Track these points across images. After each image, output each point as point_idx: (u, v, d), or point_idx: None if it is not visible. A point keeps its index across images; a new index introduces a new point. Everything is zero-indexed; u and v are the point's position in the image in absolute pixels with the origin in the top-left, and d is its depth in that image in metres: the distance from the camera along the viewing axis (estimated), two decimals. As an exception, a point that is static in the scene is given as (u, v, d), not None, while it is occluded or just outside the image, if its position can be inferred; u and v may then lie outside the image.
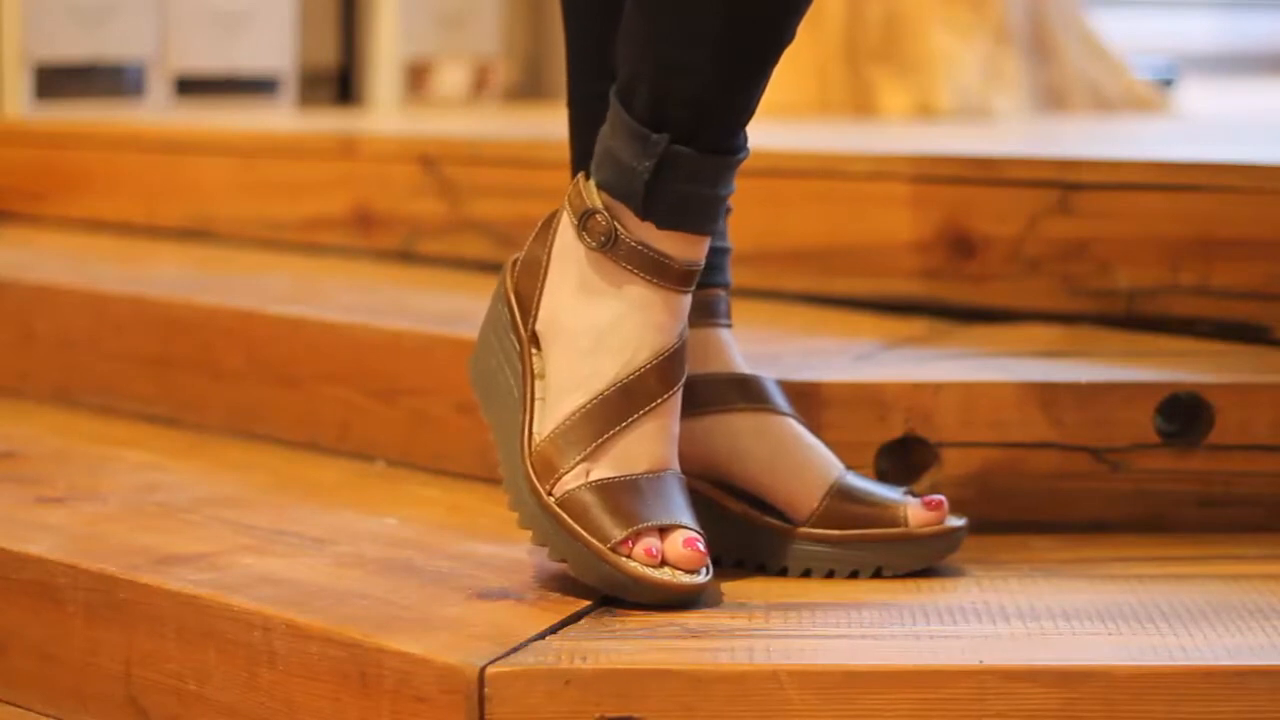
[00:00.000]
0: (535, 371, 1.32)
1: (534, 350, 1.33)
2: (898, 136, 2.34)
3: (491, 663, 1.17)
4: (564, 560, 1.28)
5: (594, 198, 1.30)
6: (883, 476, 1.48)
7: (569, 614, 1.26)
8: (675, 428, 1.31)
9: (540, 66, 3.71)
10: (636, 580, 1.24)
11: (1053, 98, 2.90)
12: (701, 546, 1.26)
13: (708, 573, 1.26)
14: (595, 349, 1.29)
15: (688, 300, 1.31)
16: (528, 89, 3.68)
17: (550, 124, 2.81)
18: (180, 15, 3.12)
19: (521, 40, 3.69)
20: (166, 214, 2.51)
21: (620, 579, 1.25)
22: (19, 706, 1.44)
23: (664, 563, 1.25)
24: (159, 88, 3.13)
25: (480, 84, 3.57)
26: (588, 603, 1.28)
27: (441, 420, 1.69)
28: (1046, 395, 1.49)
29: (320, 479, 1.69)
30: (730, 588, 1.33)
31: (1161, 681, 1.16)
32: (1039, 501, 1.49)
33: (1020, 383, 1.50)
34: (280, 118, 3.04)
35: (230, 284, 2.08)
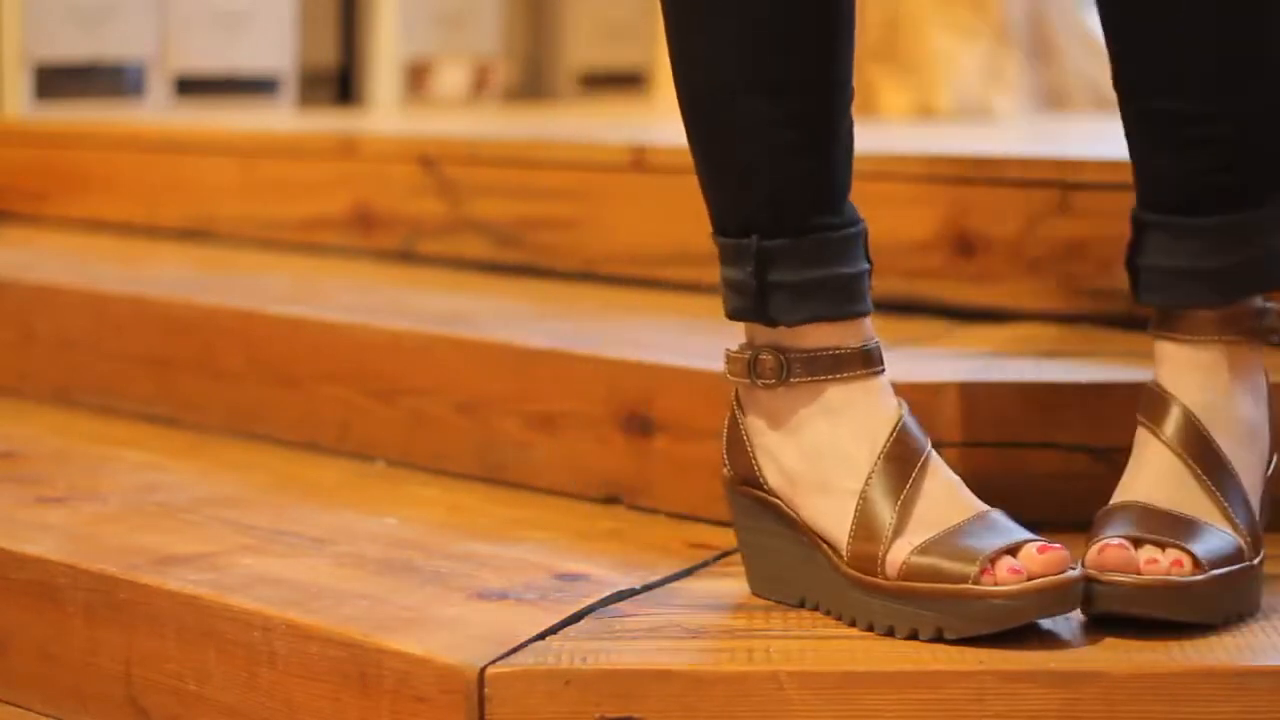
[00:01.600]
0: (805, 522, 1.29)
1: (792, 512, 1.30)
2: (898, 136, 2.34)
3: (491, 663, 1.17)
4: (937, 629, 1.20)
5: (750, 335, 1.31)
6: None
7: (569, 614, 1.26)
8: (955, 478, 1.29)
9: (540, 66, 3.71)
10: (1015, 597, 1.18)
11: (1053, 98, 2.90)
12: (1057, 545, 1.21)
13: (1081, 566, 1.22)
14: (829, 468, 1.28)
15: (881, 379, 1.30)
16: (528, 89, 3.68)
17: (550, 124, 2.81)
18: (180, 15, 3.12)
19: (521, 40, 3.69)
20: (166, 214, 2.51)
21: (1000, 606, 1.19)
22: (19, 706, 1.44)
23: (1030, 578, 1.19)
24: (159, 88, 3.13)
25: (480, 84, 3.57)
26: (588, 603, 1.28)
27: (441, 420, 1.69)
28: (1046, 395, 1.49)
29: (320, 479, 1.69)
30: (730, 588, 1.33)
31: (1161, 681, 1.16)
32: (1039, 501, 1.49)
33: (1020, 383, 1.50)
34: (280, 118, 3.04)
35: (230, 284, 2.08)
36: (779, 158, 1.29)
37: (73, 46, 2.99)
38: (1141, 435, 1.31)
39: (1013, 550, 1.21)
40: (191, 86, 3.17)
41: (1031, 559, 1.20)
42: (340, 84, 3.55)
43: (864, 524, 1.24)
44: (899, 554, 1.22)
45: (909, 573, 1.21)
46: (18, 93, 2.93)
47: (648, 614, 1.27)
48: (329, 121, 2.84)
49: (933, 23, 2.79)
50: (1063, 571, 1.20)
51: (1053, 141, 2.32)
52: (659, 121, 2.71)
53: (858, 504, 1.25)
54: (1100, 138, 2.38)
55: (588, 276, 2.05)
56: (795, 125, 1.28)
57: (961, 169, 1.82)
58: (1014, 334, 1.73)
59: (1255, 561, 1.26)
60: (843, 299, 1.29)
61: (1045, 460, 1.49)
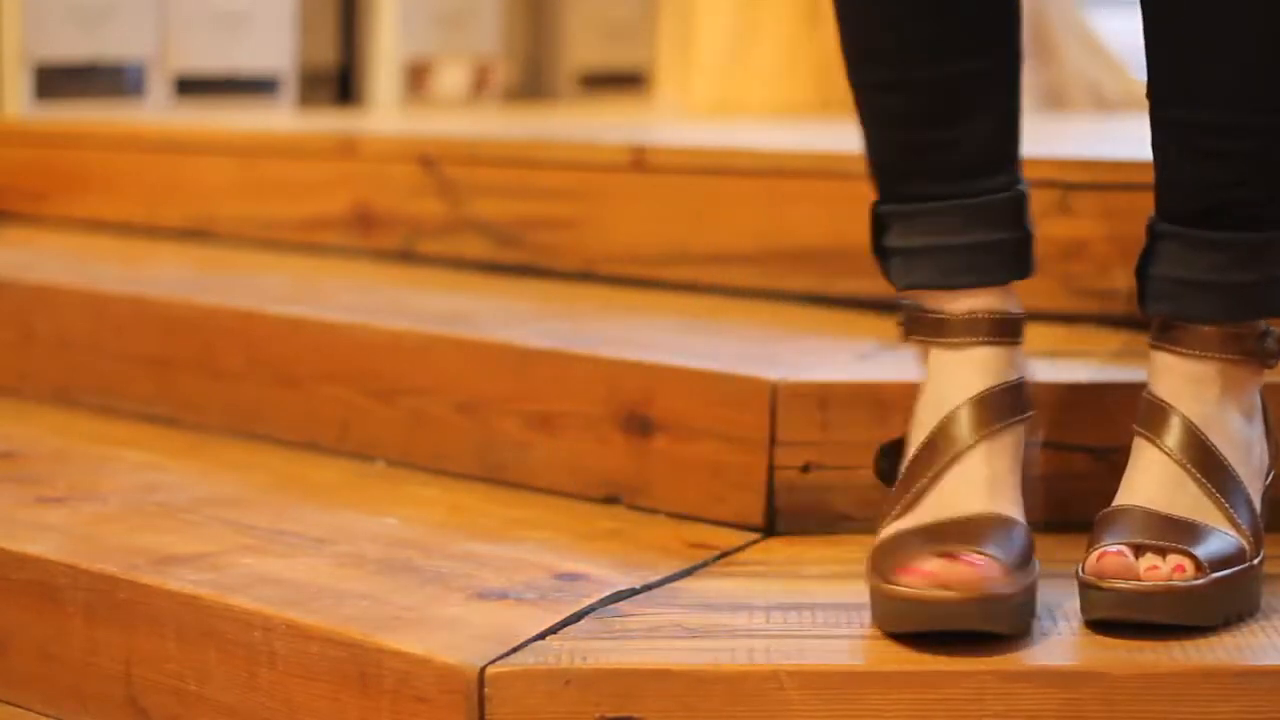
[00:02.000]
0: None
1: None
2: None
3: (491, 663, 1.17)
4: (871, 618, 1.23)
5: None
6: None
7: (569, 614, 1.26)
8: (1003, 470, 1.28)
9: (540, 66, 3.71)
10: (907, 600, 1.18)
11: (1053, 98, 2.90)
12: (979, 562, 1.18)
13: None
14: (909, 440, 1.31)
15: (993, 350, 1.30)
16: (528, 89, 3.68)
17: (550, 124, 2.81)
18: (180, 15, 3.12)
19: (521, 40, 3.69)
20: (166, 214, 2.51)
21: (897, 606, 1.19)
22: (19, 706, 1.44)
23: (941, 587, 1.18)
24: (159, 88, 3.13)
25: (480, 84, 3.57)
26: (588, 603, 1.28)
27: (441, 420, 1.69)
28: (1046, 395, 1.49)
29: (320, 479, 1.69)
30: (730, 588, 1.33)
31: (1161, 681, 1.16)
32: (1039, 501, 1.49)
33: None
34: (280, 118, 3.04)
35: (230, 284, 2.08)
36: (882, 124, 1.32)
37: (73, 46, 2.99)
38: (1139, 444, 1.31)
39: (947, 555, 1.19)
40: (191, 86, 3.17)
41: (945, 568, 1.18)
42: (340, 84, 3.54)
43: (887, 509, 1.27)
44: (879, 538, 1.25)
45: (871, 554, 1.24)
46: (18, 93, 2.93)
47: (648, 614, 1.27)
48: (329, 121, 2.84)
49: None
50: (979, 589, 1.17)
51: (1053, 141, 2.32)
52: (659, 121, 2.71)
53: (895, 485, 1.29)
54: (1100, 138, 2.38)
55: (588, 276, 2.05)
56: (897, 91, 1.31)
57: (961, 169, 1.82)
58: (1014, 334, 1.72)
59: (1256, 561, 1.26)
60: (950, 269, 1.30)
61: (1045, 460, 1.49)
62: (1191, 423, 1.29)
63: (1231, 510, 1.27)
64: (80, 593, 1.39)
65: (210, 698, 1.31)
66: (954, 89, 1.30)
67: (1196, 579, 1.21)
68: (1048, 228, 1.75)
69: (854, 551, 1.41)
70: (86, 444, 1.83)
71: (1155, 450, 1.30)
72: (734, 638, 1.22)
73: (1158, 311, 1.32)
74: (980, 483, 1.27)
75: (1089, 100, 2.92)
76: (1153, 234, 1.33)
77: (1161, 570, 1.21)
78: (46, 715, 1.42)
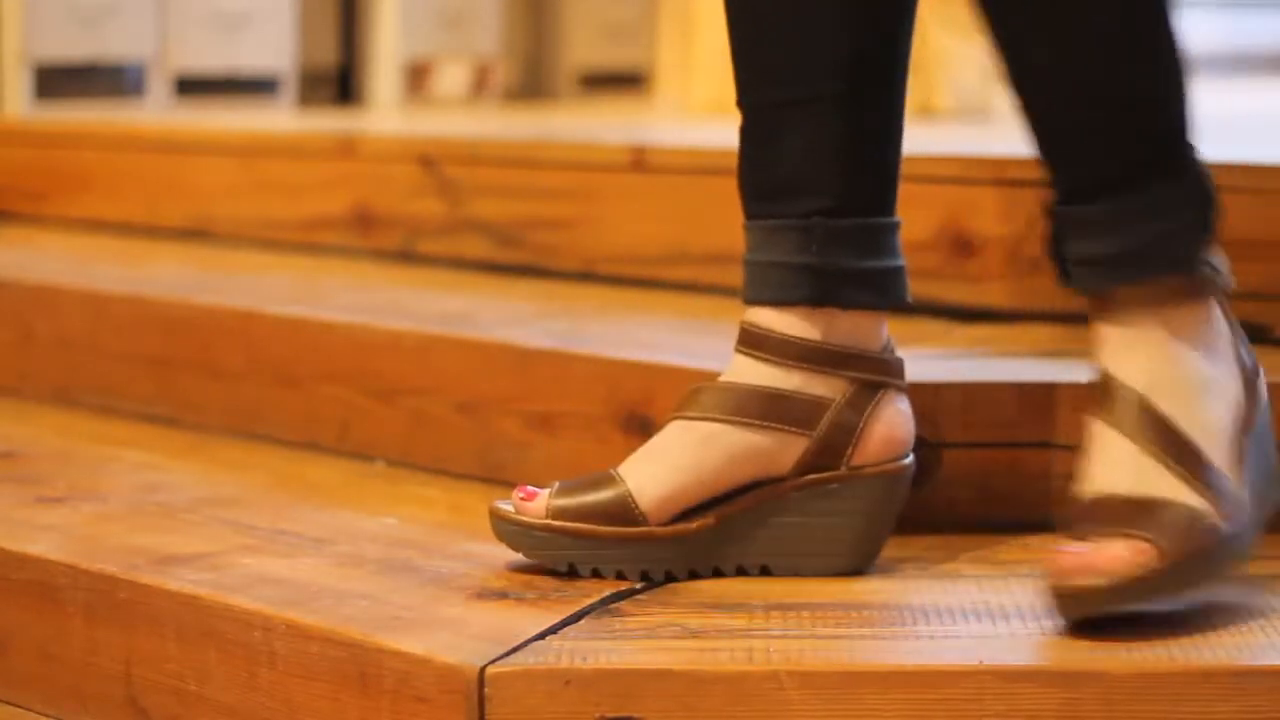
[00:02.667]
0: None
1: None
2: (898, 136, 2.33)
3: (491, 663, 1.17)
4: None
5: None
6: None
7: (569, 614, 1.26)
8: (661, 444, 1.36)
9: (540, 66, 3.71)
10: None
11: (1053, 98, 2.90)
12: (521, 494, 1.35)
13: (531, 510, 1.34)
14: None
15: (744, 359, 1.37)
16: (528, 89, 3.68)
17: (550, 124, 2.81)
18: (180, 15, 3.12)
19: (521, 40, 3.69)
20: (166, 214, 2.51)
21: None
22: (19, 706, 1.44)
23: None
24: (159, 88, 3.13)
25: (480, 84, 3.57)
26: (588, 602, 1.28)
27: (441, 420, 1.69)
28: (1046, 395, 1.49)
29: (320, 479, 1.69)
30: (730, 588, 1.33)
31: (1161, 681, 1.16)
32: (1039, 501, 1.49)
33: (1020, 383, 1.50)
34: (280, 118, 3.04)
35: (230, 284, 2.08)
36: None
37: (73, 46, 2.99)
38: (1095, 426, 1.30)
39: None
40: (191, 86, 3.17)
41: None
42: (340, 84, 3.55)
43: None
44: None
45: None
46: (18, 93, 2.93)
47: (648, 614, 1.27)
48: (329, 121, 2.84)
49: (932, 22, 2.79)
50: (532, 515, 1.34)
51: (1053, 141, 2.32)
52: (659, 121, 2.71)
53: None
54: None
55: (588, 276, 2.05)
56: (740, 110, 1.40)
57: (961, 169, 1.82)
58: (1014, 334, 1.73)
59: (1223, 523, 1.25)
60: (748, 281, 1.39)
61: (1045, 460, 1.49)
62: (1136, 393, 1.28)
63: (1192, 475, 1.26)
64: (80, 593, 1.39)
65: (210, 698, 1.31)
66: (767, 115, 1.37)
67: (1159, 563, 1.21)
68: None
69: (854, 551, 1.41)
70: (86, 444, 1.83)
71: (1106, 429, 1.29)
72: (734, 638, 1.22)
73: (1074, 288, 1.33)
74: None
75: (1089, 100, 2.92)
76: (1047, 215, 1.34)
77: (1123, 558, 1.21)
78: (46, 715, 1.42)
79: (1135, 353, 1.30)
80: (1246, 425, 1.31)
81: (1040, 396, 1.49)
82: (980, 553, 1.42)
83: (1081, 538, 1.23)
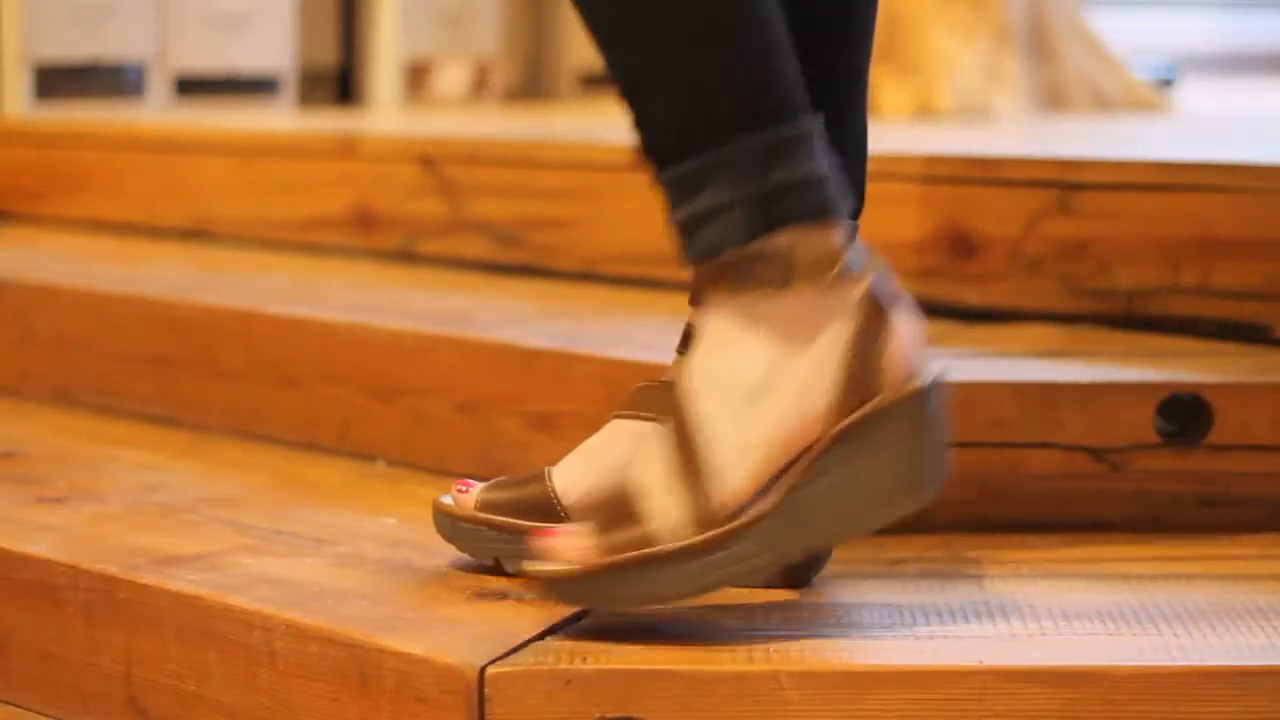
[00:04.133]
0: None
1: None
2: (898, 136, 2.33)
3: (491, 663, 1.17)
4: None
5: None
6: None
7: (569, 614, 1.26)
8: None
9: (540, 66, 3.71)
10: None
11: (1053, 98, 2.90)
12: (460, 487, 1.35)
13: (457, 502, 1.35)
14: None
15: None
16: (528, 89, 3.68)
17: (550, 124, 2.81)
18: (180, 15, 3.12)
19: (521, 40, 3.69)
20: (166, 214, 2.51)
21: None
22: (19, 706, 1.44)
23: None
24: (159, 88, 3.13)
25: (480, 84, 3.57)
26: (588, 603, 1.28)
27: (441, 420, 1.69)
28: (1046, 395, 1.49)
29: (320, 479, 1.69)
30: (731, 588, 1.32)
31: (1161, 681, 1.16)
32: (1039, 501, 1.49)
33: (1020, 383, 1.50)
34: (280, 118, 3.04)
35: (230, 284, 2.08)
36: None
37: (73, 46, 2.99)
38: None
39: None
40: (191, 86, 3.17)
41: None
42: (340, 84, 3.54)
43: None
44: None
45: None
46: (18, 93, 2.93)
47: (648, 614, 1.27)
48: (329, 121, 2.84)
49: (932, 22, 2.79)
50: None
51: (1053, 141, 2.32)
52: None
53: None
54: (1100, 138, 2.38)
55: (588, 276, 2.05)
56: None
57: (961, 169, 1.82)
58: (1014, 334, 1.73)
59: (660, 548, 1.19)
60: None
61: (1045, 460, 1.49)
62: (680, 389, 1.22)
63: (669, 481, 1.20)
64: (80, 593, 1.39)
65: (210, 698, 1.31)
66: None
67: (575, 567, 1.20)
68: (1048, 228, 1.75)
69: (854, 551, 1.41)
70: (86, 444, 1.83)
71: (661, 419, 1.25)
72: (734, 638, 1.22)
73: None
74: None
75: (1089, 100, 2.92)
76: None
77: (571, 551, 1.20)
78: (46, 715, 1.42)
79: (701, 343, 1.24)
80: (824, 445, 1.21)
81: (1040, 396, 1.49)
82: (980, 553, 1.42)
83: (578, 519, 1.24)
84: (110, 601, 1.37)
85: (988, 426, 1.49)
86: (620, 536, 1.20)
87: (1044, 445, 1.49)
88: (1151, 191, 1.72)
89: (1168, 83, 3.28)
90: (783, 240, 1.19)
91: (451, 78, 3.54)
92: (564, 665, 1.17)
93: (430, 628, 1.24)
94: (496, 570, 1.34)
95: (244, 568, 1.39)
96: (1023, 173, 1.78)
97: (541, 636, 1.22)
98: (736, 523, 1.19)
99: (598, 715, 1.16)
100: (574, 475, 1.33)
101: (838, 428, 1.20)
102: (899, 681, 1.16)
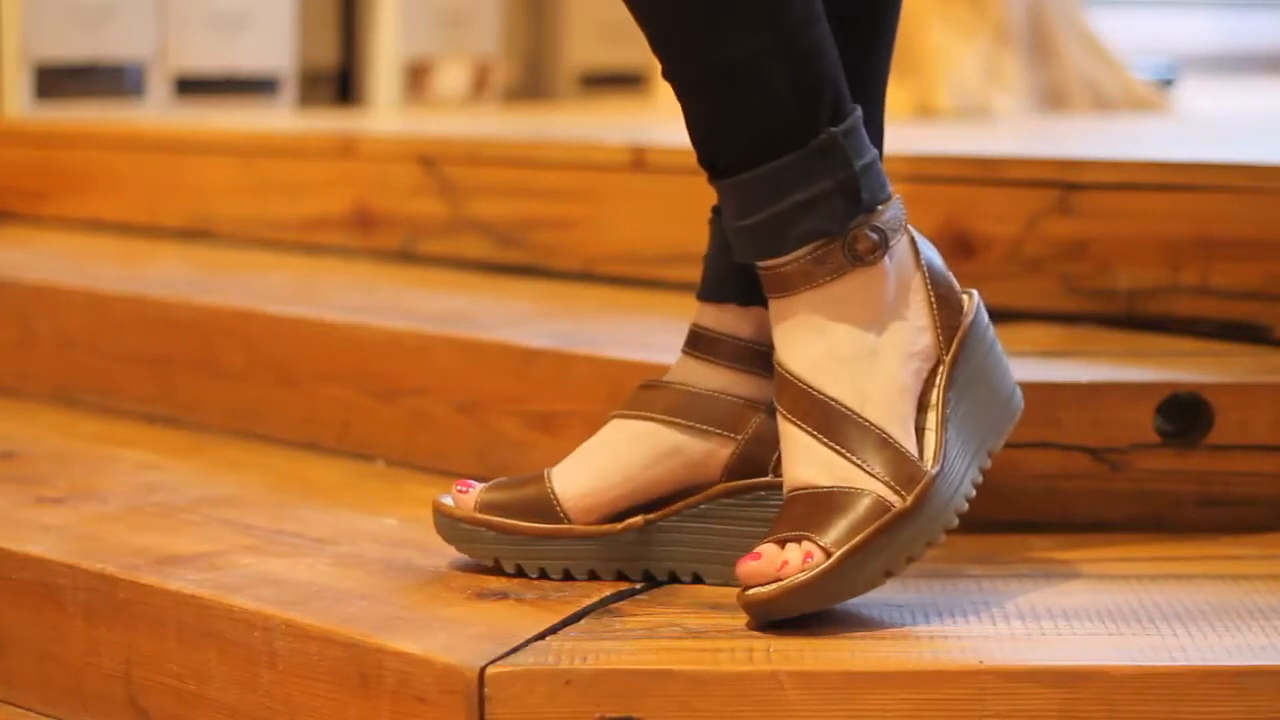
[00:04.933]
0: None
1: None
2: (898, 136, 2.33)
3: (491, 663, 1.17)
4: None
5: None
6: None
7: (569, 614, 1.26)
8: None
9: (540, 66, 3.71)
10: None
11: (1053, 98, 2.90)
12: (460, 488, 1.35)
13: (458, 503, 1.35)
14: None
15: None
16: (528, 89, 3.68)
17: (550, 124, 2.81)
18: (180, 15, 3.12)
19: (521, 40, 3.69)
20: (166, 214, 2.51)
21: None
22: (19, 706, 1.44)
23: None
24: (159, 88, 3.13)
25: (480, 84, 3.57)
26: (588, 603, 1.28)
27: (441, 420, 1.69)
28: (1046, 395, 1.49)
29: (320, 479, 1.69)
30: (731, 588, 1.32)
31: (1161, 681, 1.16)
32: (1039, 501, 1.49)
33: (1020, 382, 1.50)
34: (280, 118, 3.04)
35: (230, 284, 2.08)
36: None
37: (73, 46, 2.99)
38: (779, 420, 1.28)
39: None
40: (191, 86, 3.17)
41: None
42: (340, 84, 3.54)
43: None
44: None
45: None
46: (18, 93, 2.93)
47: (648, 614, 1.27)
48: (329, 121, 2.83)
49: (932, 22, 2.79)
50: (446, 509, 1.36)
51: (1053, 141, 2.32)
52: (659, 121, 2.70)
53: None
54: (1100, 138, 2.38)
55: (588, 276, 2.05)
56: None
57: (961, 169, 1.82)
58: (1014, 334, 1.72)
59: (897, 508, 1.23)
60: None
61: (1045, 460, 1.49)
62: (800, 381, 1.26)
63: (863, 462, 1.24)
64: (80, 593, 1.39)
65: (210, 698, 1.31)
66: None
67: (822, 564, 1.21)
68: (1048, 228, 1.75)
69: (854, 551, 1.40)
70: (86, 444, 1.83)
71: (785, 423, 1.27)
72: (734, 638, 1.22)
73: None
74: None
75: (1089, 100, 2.92)
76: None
77: (791, 565, 1.21)
78: (46, 715, 1.42)
79: (796, 335, 1.26)
80: (948, 365, 1.28)
81: (1040, 396, 1.49)
82: (980, 553, 1.42)
83: (779, 541, 1.23)
84: (110, 601, 1.37)
85: (988, 426, 1.48)
86: (842, 524, 1.22)
87: (1044, 445, 1.49)
88: (1151, 191, 1.72)
89: (1168, 83, 3.27)
90: (874, 219, 1.26)
91: (451, 78, 3.54)
92: (564, 665, 1.17)
93: (430, 628, 1.24)
94: (496, 570, 1.34)
95: (244, 568, 1.39)
96: (1022, 173, 1.78)
97: (541, 636, 1.22)
98: (934, 465, 1.25)
99: (598, 715, 1.16)
100: (573, 476, 1.33)
101: (952, 351, 1.29)
102: (898, 681, 1.16)
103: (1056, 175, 1.76)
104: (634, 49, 3.63)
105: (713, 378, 1.33)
